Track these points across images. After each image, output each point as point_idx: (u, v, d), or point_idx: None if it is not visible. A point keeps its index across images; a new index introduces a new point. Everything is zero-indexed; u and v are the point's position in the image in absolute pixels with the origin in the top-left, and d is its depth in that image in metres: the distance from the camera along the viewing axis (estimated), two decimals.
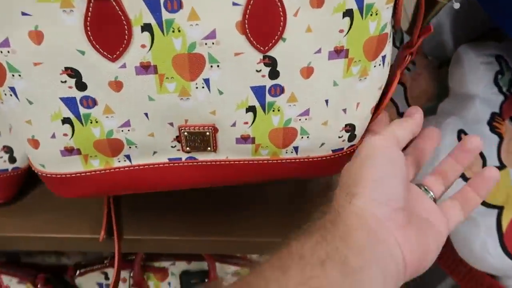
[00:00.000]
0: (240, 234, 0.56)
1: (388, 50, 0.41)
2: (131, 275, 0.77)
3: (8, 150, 0.54)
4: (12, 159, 0.54)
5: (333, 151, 0.45)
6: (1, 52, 0.36)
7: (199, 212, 0.58)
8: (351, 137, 0.44)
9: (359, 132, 0.44)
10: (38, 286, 0.77)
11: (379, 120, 0.44)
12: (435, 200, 0.43)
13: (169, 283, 0.79)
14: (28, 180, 0.58)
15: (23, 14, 0.35)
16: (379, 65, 0.41)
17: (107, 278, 0.79)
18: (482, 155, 0.60)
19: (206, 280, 0.77)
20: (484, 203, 0.60)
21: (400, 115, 0.68)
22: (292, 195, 0.59)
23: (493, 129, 0.61)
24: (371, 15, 0.37)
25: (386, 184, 0.37)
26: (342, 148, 0.45)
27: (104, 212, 0.56)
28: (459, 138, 0.60)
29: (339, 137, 0.44)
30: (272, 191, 0.59)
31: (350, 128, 0.43)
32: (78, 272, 0.79)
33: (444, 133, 0.60)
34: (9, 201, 0.57)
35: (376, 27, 0.38)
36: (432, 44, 0.75)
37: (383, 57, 0.40)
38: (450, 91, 0.68)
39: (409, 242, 0.37)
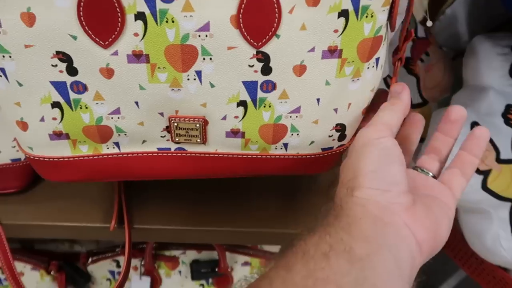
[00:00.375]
0: (250, 225, 0.56)
1: (382, 52, 0.40)
2: (142, 263, 0.78)
3: None
4: None
5: (323, 149, 0.45)
6: None
7: (210, 202, 0.58)
8: (341, 137, 0.44)
9: (349, 132, 0.44)
10: (51, 272, 0.78)
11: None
12: (435, 177, 0.42)
13: (179, 272, 0.79)
14: None
15: None
16: (373, 67, 0.41)
17: (118, 266, 0.80)
18: (495, 147, 0.59)
19: (216, 269, 0.78)
20: (497, 196, 0.59)
21: (413, 107, 0.67)
22: (304, 187, 0.59)
23: (507, 121, 0.60)
24: (366, 16, 0.37)
25: (385, 171, 0.37)
26: (332, 147, 0.45)
27: (115, 202, 0.56)
28: None
29: (329, 136, 0.44)
30: (283, 182, 0.60)
31: (340, 128, 0.43)
32: (90, 259, 0.80)
33: None
34: (23, 190, 0.58)
35: (371, 29, 0.38)
36: (447, 35, 0.73)
37: (377, 59, 0.40)
38: (464, 83, 0.67)
39: (418, 221, 0.36)
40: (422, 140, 0.61)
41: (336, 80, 0.40)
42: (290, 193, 0.59)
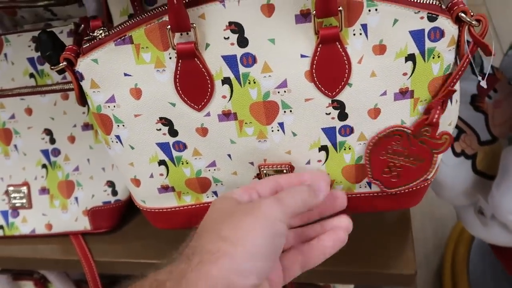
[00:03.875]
0: (322, 263, 0.57)
1: (456, 87, 0.42)
2: None
3: (111, 184, 0.62)
4: (115, 192, 0.62)
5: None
6: (109, 107, 0.43)
7: None
8: None
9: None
10: None
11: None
12: None
13: None
14: (127, 210, 0.65)
15: (125, 75, 0.41)
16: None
17: None
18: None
19: None
20: (486, 176, 0.62)
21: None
22: (367, 226, 0.60)
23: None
24: (433, 57, 0.39)
25: (262, 257, 0.34)
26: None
27: None
28: None
29: None
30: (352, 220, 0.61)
31: None
32: None
33: None
34: (112, 229, 0.64)
35: (439, 69, 0.40)
36: None
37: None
38: None
39: None
40: (493, 177, 0.61)
41: (411, 119, 0.42)
42: (359, 230, 0.59)
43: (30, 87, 0.59)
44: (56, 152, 0.61)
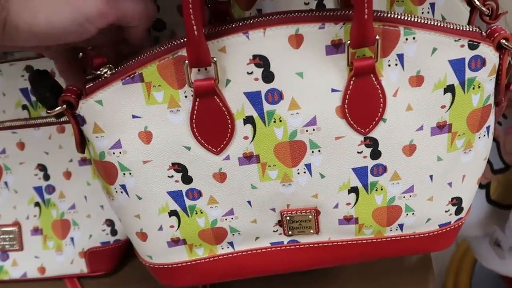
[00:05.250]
0: None
1: (492, 120, 0.39)
2: None
3: (110, 223, 0.57)
4: (114, 232, 0.57)
5: (440, 225, 0.43)
6: (114, 153, 0.38)
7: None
8: (458, 210, 0.42)
9: (466, 204, 0.42)
10: None
11: None
12: None
13: None
14: (127, 250, 0.60)
15: (134, 116, 0.37)
16: (484, 135, 0.39)
17: None
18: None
19: None
20: (500, 205, 0.61)
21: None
22: (389, 267, 0.56)
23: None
24: (473, 88, 0.36)
25: None
26: (450, 222, 0.43)
27: None
28: None
29: (445, 211, 0.42)
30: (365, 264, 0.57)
31: (456, 201, 0.42)
32: None
33: None
34: (110, 272, 0.59)
35: (479, 100, 0.37)
36: None
37: (488, 128, 0.39)
38: None
39: None
40: (507, 207, 0.58)
41: (448, 155, 0.39)
42: (379, 270, 0.56)
43: (23, 119, 0.54)
44: (51, 189, 0.56)
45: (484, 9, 0.38)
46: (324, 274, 0.56)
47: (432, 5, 0.43)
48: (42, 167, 0.55)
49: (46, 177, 0.56)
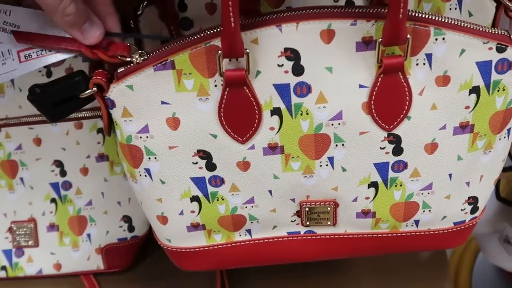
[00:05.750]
0: None
1: None
2: None
3: (128, 219, 0.57)
4: (131, 228, 0.57)
5: (455, 223, 0.44)
6: (141, 137, 0.39)
7: (313, 279, 0.57)
8: (474, 209, 0.43)
9: (481, 204, 0.43)
10: None
11: None
12: None
13: None
14: (144, 246, 0.61)
15: (163, 103, 0.37)
16: (504, 137, 0.40)
17: None
18: None
19: None
20: (509, 203, 0.62)
21: (504, 170, 0.65)
22: (402, 263, 0.57)
23: None
24: (498, 90, 0.37)
25: None
26: (464, 221, 0.44)
27: (217, 281, 0.56)
28: None
29: (461, 209, 0.43)
30: (380, 259, 0.58)
31: (473, 201, 0.42)
32: None
33: None
34: (126, 269, 0.60)
35: (503, 102, 0.37)
36: None
37: (508, 130, 0.40)
38: None
39: None
40: None
41: (468, 155, 0.39)
42: (387, 270, 0.57)
43: (39, 115, 0.53)
44: (67, 185, 0.56)
45: (509, 4, 0.38)
46: (337, 267, 0.57)
47: (460, 1, 0.43)
48: (58, 163, 0.55)
49: (63, 173, 0.55)
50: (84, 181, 0.55)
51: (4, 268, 0.59)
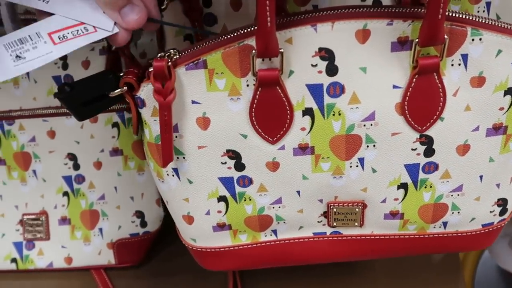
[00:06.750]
0: None
1: None
2: None
3: (140, 214, 0.57)
4: (144, 224, 0.57)
5: (483, 225, 0.43)
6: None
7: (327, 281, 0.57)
8: (503, 211, 0.43)
9: (510, 205, 0.43)
10: None
11: None
12: None
13: None
14: (155, 242, 0.61)
15: (193, 102, 0.37)
16: None
17: None
18: None
19: None
20: None
21: None
22: (417, 265, 0.57)
23: None
24: None
25: None
26: (492, 223, 0.43)
27: (230, 279, 0.56)
28: None
29: (490, 211, 0.42)
30: (394, 261, 0.58)
31: (502, 203, 0.42)
32: None
33: None
34: (137, 264, 0.60)
35: None
36: None
37: None
38: None
39: None
40: None
41: (500, 156, 0.39)
42: (402, 272, 0.57)
43: (54, 107, 0.53)
44: (80, 178, 0.56)
45: None
46: (353, 269, 0.57)
47: (488, 4, 0.43)
48: (72, 156, 0.55)
49: (76, 166, 0.55)
50: (97, 175, 0.55)
51: (14, 260, 0.59)
